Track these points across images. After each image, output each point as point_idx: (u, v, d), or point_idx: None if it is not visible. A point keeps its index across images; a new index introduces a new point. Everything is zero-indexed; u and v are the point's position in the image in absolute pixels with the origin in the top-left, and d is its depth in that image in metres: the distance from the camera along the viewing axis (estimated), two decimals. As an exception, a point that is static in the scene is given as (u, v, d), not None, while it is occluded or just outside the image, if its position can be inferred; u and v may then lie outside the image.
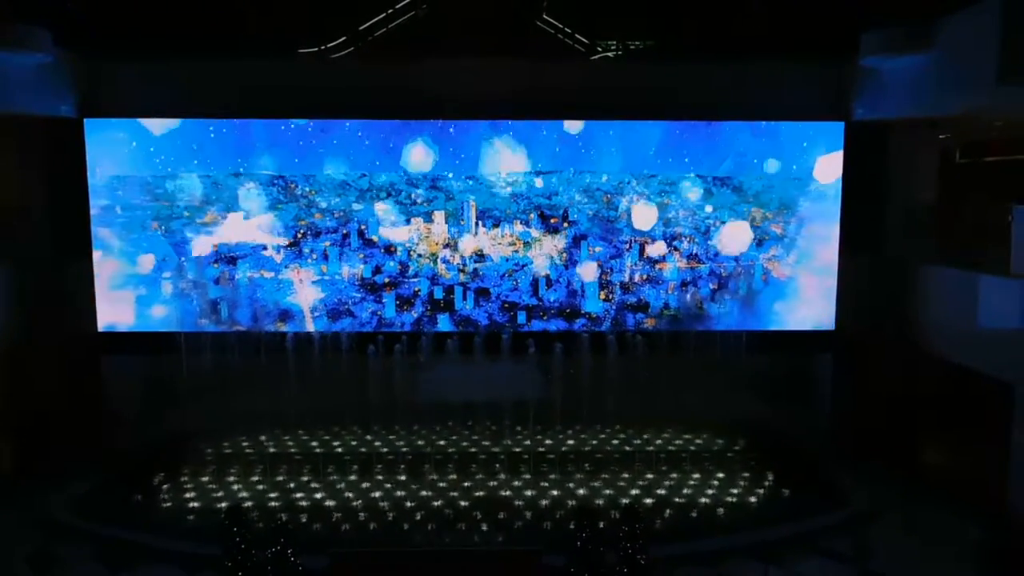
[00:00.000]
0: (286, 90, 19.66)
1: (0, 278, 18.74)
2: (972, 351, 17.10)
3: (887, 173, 20.31)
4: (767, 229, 20.67)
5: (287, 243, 20.51)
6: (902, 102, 18.79)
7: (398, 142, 20.32)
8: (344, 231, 20.61)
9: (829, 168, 20.32)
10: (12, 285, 18.99)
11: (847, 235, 20.40)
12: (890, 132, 20.12)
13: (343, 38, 22.60)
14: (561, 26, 23.47)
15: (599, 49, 23.54)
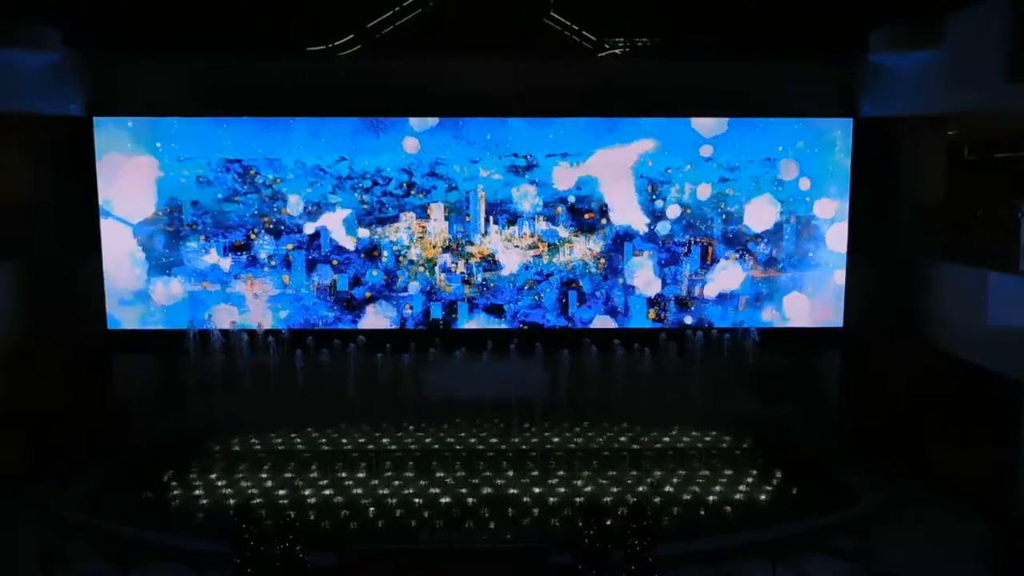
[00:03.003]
0: (293, 88, 19.64)
1: (9, 276, 18.87)
2: (981, 349, 17.06)
3: (895, 170, 20.24)
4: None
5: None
6: (910, 99, 18.73)
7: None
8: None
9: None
10: (21, 283, 19.09)
11: (855, 232, 20.34)
12: (898, 129, 20.04)
13: (350, 36, 22.64)
14: (568, 23, 23.45)
15: (606, 46, 23.49)
